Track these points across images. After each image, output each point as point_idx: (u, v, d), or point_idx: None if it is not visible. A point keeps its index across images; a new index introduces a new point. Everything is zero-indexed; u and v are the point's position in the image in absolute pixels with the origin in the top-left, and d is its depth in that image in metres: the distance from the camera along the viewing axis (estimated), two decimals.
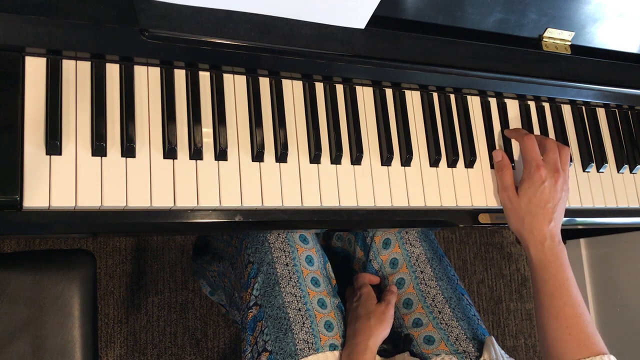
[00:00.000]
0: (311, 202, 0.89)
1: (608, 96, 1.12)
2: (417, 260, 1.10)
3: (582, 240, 1.99)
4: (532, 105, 1.10)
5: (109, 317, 1.53)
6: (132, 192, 0.79)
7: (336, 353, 0.96)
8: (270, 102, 0.90)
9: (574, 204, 1.07)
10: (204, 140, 0.84)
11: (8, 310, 0.93)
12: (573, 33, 1.03)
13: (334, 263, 1.11)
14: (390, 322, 1.01)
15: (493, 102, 1.06)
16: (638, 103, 1.17)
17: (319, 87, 0.94)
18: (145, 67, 0.84)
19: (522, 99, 1.09)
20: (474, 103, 1.05)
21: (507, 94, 1.07)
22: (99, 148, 0.78)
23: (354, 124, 0.94)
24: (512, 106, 1.08)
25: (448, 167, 1.00)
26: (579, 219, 1.09)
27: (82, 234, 0.83)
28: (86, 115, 0.79)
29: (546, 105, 1.11)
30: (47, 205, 0.74)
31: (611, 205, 1.10)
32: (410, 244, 1.11)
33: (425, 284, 1.08)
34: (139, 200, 0.79)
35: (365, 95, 0.97)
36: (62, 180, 0.76)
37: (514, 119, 1.07)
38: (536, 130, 1.08)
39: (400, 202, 0.94)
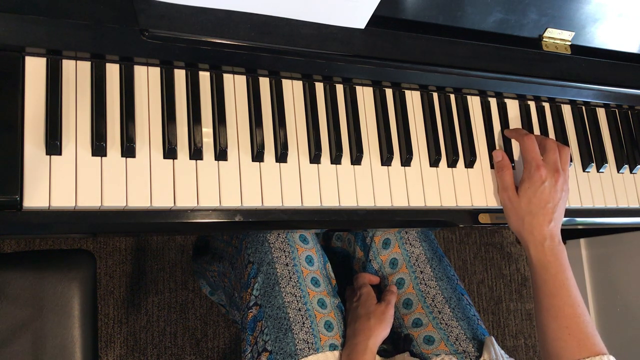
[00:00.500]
0: (311, 202, 0.89)
1: (608, 96, 1.12)
2: (417, 260, 1.10)
3: (582, 240, 1.98)
4: (532, 105, 1.10)
5: (109, 317, 1.53)
6: (132, 192, 0.79)
7: (336, 353, 0.96)
8: (270, 102, 0.90)
9: (574, 204, 1.07)
10: (204, 140, 0.84)
11: (8, 310, 0.93)
12: (573, 33, 1.03)
13: (334, 263, 1.11)
14: (390, 322, 1.01)
15: (493, 102, 1.06)
16: (638, 103, 1.17)
17: (319, 87, 0.94)
18: (145, 67, 0.84)
19: (522, 99, 1.09)
20: (474, 103, 1.05)
21: (507, 94, 1.07)
22: (99, 148, 0.78)
23: (354, 124, 0.94)
24: (512, 106, 1.08)
25: (448, 167, 1.00)
26: (579, 219, 1.09)
27: (82, 234, 0.83)
28: (86, 115, 0.79)
29: (546, 105, 1.11)
30: (47, 205, 0.74)
31: (611, 205, 1.10)
32: (410, 244, 1.11)
33: (425, 284, 1.08)
34: (139, 200, 0.79)
35: (365, 95, 0.97)
36: (62, 180, 0.76)
37: (514, 119, 1.07)
38: (536, 130, 1.08)
39: (400, 202, 0.94)
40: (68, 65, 0.80)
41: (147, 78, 0.84)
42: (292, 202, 0.87)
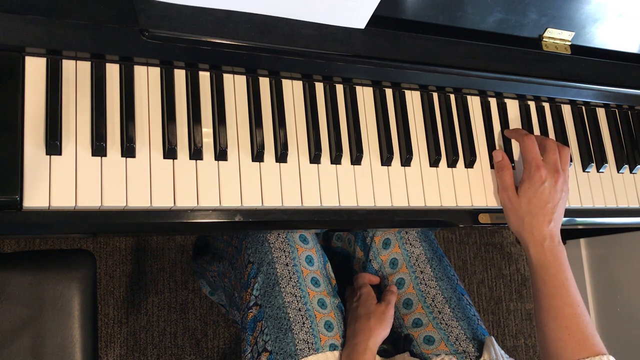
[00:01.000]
0: (311, 202, 0.89)
1: (608, 96, 1.12)
2: (417, 261, 1.10)
3: (582, 240, 1.98)
4: (532, 105, 1.10)
5: (109, 317, 1.53)
6: (132, 192, 0.79)
7: (336, 353, 0.96)
8: (270, 102, 0.90)
9: (574, 204, 1.07)
10: (204, 140, 0.84)
11: (8, 310, 0.93)
12: (573, 33, 1.03)
13: (334, 263, 1.11)
14: (390, 322, 1.01)
15: (493, 102, 1.06)
16: (638, 103, 1.17)
17: (319, 87, 0.94)
18: (145, 67, 0.84)
19: (522, 99, 1.09)
20: (474, 103, 1.05)
21: (507, 94, 1.07)
22: (99, 148, 0.78)
23: (354, 124, 0.94)
24: (512, 106, 1.08)
25: (448, 167, 1.00)
26: (579, 219, 1.09)
27: (82, 234, 0.83)
28: (86, 115, 0.79)
29: (546, 105, 1.11)
30: (47, 205, 0.74)
31: (611, 205, 1.10)
32: (410, 244, 1.12)
33: (425, 284, 1.08)
34: (139, 200, 0.79)
35: (365, 95, 0.97)
36: (62, 180, 0.76)
37: (514, 119, 1.07)
38: (536, 130, 1.08)
39: (400, 202, 0.94)
40: (68, 65, 0.80)
41: (147, 78, 0.84)
42: (292, 202, 0.87)
